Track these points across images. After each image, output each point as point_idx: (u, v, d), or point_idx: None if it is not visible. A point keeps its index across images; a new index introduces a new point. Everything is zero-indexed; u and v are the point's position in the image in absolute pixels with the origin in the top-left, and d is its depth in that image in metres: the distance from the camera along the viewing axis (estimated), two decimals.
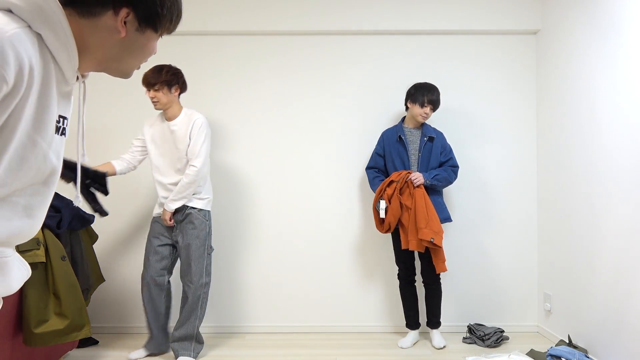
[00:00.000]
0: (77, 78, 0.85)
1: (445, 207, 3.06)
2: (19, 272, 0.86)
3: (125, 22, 0.82)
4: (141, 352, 2.84)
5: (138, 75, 3.15)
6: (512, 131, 3.39)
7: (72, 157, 1.26)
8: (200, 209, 2.78)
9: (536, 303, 3.38)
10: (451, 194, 3.38)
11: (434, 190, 3.04)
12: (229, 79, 3.39)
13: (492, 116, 3.39)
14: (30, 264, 2.27)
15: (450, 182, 3.06)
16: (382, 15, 3.34)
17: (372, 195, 3.37)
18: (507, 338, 3.15)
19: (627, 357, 2.43)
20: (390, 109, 3.39)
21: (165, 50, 3.37)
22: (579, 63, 2.87)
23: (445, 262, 2.93)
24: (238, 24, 3.33)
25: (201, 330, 3.35)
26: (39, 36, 0.74)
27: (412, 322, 3.11)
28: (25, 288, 2.30)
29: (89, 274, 2.77)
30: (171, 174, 2.74)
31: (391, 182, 2.97)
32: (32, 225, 0.84)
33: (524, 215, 3.38)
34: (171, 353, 2.95)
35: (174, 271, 3.39)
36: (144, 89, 2.71)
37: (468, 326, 3.23)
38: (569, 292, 2.96)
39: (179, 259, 2.90)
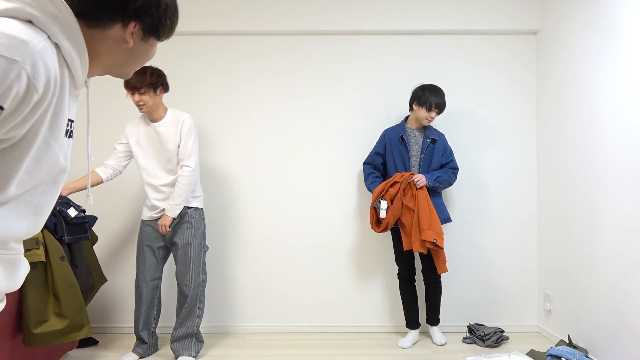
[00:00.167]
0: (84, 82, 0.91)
1: (445, 208, 3.07)
2: (25, 269, 0.91)
3: (132, 33, 0.89)
4: (132, 356, 2.84)
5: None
6: (512, 131, 3.39)
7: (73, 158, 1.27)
8: (196, 208, 2.80)
9: (536, 303, 3.38)
10: (451, 194, 3.38)
11: (433, 191, 3.05)
12: (229, 78, 3.39)
13: (492, 116, 3.39)
14: (29, 263, 2.26)
15: (451, 184, 3.07)
16: (382, 15, 3.34)
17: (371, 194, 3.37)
18: (507, 338, 3.15)
19: (627, 357, 2.43)
20: (390, 109, 3.39)
21: (164, 50, 3.37)
22: (579, 63, 2.87)
23: (446, 263, 2.93)
24: (238, 24, 3.33)
25: (201, 330, 3.34)
26: (56, 46, 0.80)
27: (412, 322, 3.11)
28: (25, 288, 2.30)
29: (89, 275, 2.77)
30: (161, 175, 2.72)
31: (395, 182, 2.96)
32: (41, 223, 0.89)
33: (524, 215, 3.38)
34: (167, 352, 2.94)
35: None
36: (125, 92, 2.64)
37: (468, 326, 3.23)
38: (569, 292, 2.96)
39: (165, 260, 2.89)
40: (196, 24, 3.32)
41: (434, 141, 3.04)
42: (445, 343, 3.08)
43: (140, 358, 2.86)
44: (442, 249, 2.89)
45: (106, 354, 2.94)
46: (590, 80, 2.76)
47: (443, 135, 3.11)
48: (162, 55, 3.37)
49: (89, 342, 3.08)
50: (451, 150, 3.10)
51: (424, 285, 3.14)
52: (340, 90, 3.40)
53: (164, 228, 2.68)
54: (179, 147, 2.69)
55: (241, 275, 3.38)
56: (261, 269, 3.38)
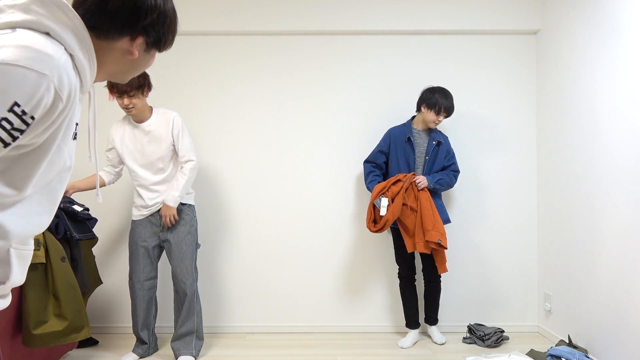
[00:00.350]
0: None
1: (445, 209, 3.08)
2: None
3: (137, 46, 0.96)
4: (132, 356, 2.84)
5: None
6: (512, 131, 3.39)
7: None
8: (189, 205, 2.82)
9: (536, 303, 3.38)
10: (451, 194, 3.38)
11: (434, 193, 3.05)
12: (228, 78, 3.39)
13: (492, 116, 3.39)
14: (30, 264, 2.26)
15: (451, 187, 3.10)
16: (383, 15, 3.34)
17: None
18: (507, 338, 3.16)
19: (627, 357, 2.43)
20: (389, 109, 3.39)
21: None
22: (579, 63, 2.87)
23: (446, 263, 2.94)
24: (238, 24, 3.33)
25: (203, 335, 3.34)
26: (70, 56, 0.85)
27: (412, 322, 3.11)
28: (25, 289, 2.30)
29: (86, 277, 2.77)
30: (152, 175, 2.72)
31: (397, 180, 2.96)
32: (50, 219, 0.95)
33: (524, 215, 3.38)
34: (167, 352, 2.94)
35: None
36: (108, 95, 2.61)
37: (468, 326, 3.23)
38: (569, 292, 2.96)
39: (159, 259, 2.88)
40: (196, 24, 3.32)
41: (439, 144, 3.05)
42: (445, 342, 3.09)
43: (140, 358, 2.86)
44: (446, 249, 2.90)
45: (106, 354, 2.94)
46: (590, 80, 2.76)
47: (447, 137, 3.12)
48: (162, 55, 3.37)
49: (89, 342, 3.08)
50: (453, 153, 3.11)
51: (423, 285, 3.15)
52: (340, 91, 3.39)
53: (170, 219, 2.69)
54: (173, 145, 2.71)
55: (241, 275, 3.38)
56: (261, 269, 3.38)
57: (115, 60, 0.96)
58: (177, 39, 3.37)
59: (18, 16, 0.83)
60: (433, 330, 3.14)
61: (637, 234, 2.36)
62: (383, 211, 2.89)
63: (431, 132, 3.07)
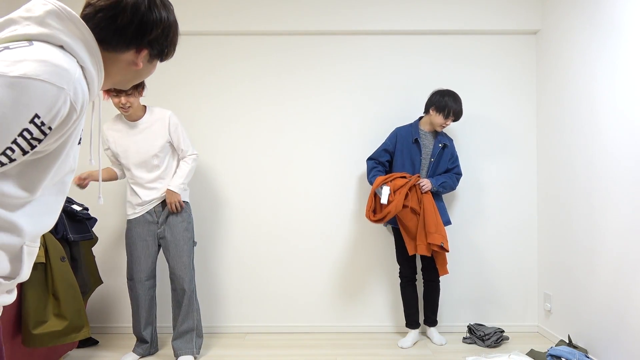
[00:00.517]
0: None
1: (446, 211, 3.09)
2: None
3: (142, 57, 1.02)
4: (133, 356, 2.83)
5: None
6: (512, 131, 3.39)
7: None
8: (186, 202, 2.83)
9: (536, 303, 3.38)
10: (451, 194, 3.38)
11: (435, 195, 3.06)
12: (228, 78, 3.39)
13: (492, 116, 3.39)
14: None
15: (453, 189, 3.12)
16: (382, 15, 3.34)
17: None
18: (507, 338, 3.15)
19: (627, 357, 2.43)
20: (389, 109, 3.39)
21: None
22: (579, 63, 2.87)
23: (447, 265, 2.95)
24: (238, 24, 3.33)
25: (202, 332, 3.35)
26: (81, 67, 0.91)
27: (412, 322, 3.11)
28: (25, 289, 2.30)
29: (87, 277, 2.77)
30: (147, 172, 2.73)
31: (403, 176, 2.95)
32: (56, 218, 1.01)
33: (524, 215, 3.38)
34: (167, 352, 2.94)
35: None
36: (102, 95, 2.62)
37: (468, 326, 3.23)
38: (569, 292, 2.96)
39: (156, 257, 2.88)
40: (196, 23, 3.32)
41: (445, 146, 3.05)
42: (445, 343, 3.09)
43: (140, 358, 2.85)
44: (447, 251, 2.90)
45: (106, 354, 2.94)
46: (590, 80, 2.76)
47: (452, 140, 3.13)
48: None
49: (89, 342, 3.08)
50: (457, 156, 3.12)
51: (423, 285, 3.15)
52: (339, 91, 3.39)
53: (176, 205, 2.71)
54: (168, 142, 2.74)
55: (241, 275, 3.38)
56: (261, 269, 3.38)
57: (120, 70, 1.02)
58: (180, 35, 3.37)
59: (34, 29, 0.88)
60: (432, 331, 3.14)
61: (637, 234, 2.36)
62: (384, 199, 2.87)
63: (437, 134, 3.07)
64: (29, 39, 0.87)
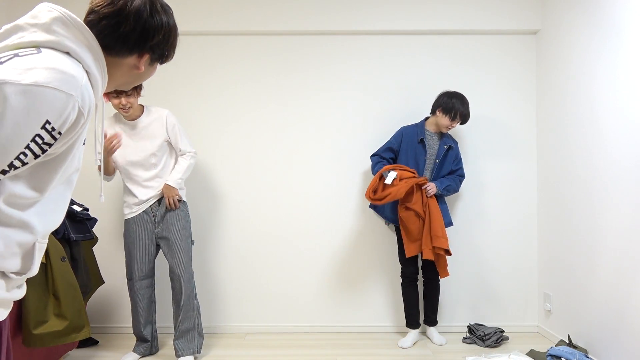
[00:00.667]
0: None
1: (448, 212, 3.11)
2: None
3: (143, 61, 1.06)
4: (133, 356, 2.83)
5: None
6: (512, 131, 3.39)
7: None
8: (184, 201, 2.84)
9: (536, 303, 3.38)
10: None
11: (439, 196, 3.08)
12: (229, 78, 3.39)
13: (492, 116, 3.39)
14: None
15: (456, 192, 3.13)
16: (382, 15, 3.34)
17: None
18: (507, 338, 3.15)
19: (627, 357, 2.43)
20: (389, 109, 3.39)
21: None
22: (579, 63, 2.87)
23: (447, 267, 2.96)
24: (238, 24, 3.33)
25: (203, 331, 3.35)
26: (87, 72, 0.94)
27: (412, 321, 3.11)
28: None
29: (88, 277, 2.77)
30: (144, 171, 2.73)
31: (413, 173, 2.95)
32: (63, 216, 1.05)
33: (524, 215, 3.38)
34: (166, 352, 2.94)
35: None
36: (105, 99, 2.64)
37: (468, 326, 3.23)
38: (569, 292, 2.96)
39: (156, 256, 2.88)
40: (196, 23, 3.32)
41: (450, 148, 3.05)
42: (445, 343, 3.09)
43: (140, 357, 2.86)
44: (451, 254, 2.92)
45: (106, 354, 2.94)
46: (590, 80, 2.76)
47: (457, 142, 3.14)
48: None
49: (89, 342, 3.08)
50: (461, 158, 3.13)
51: (423, 284, 3.15)
52: (339, 90, 3.40)
53: (174, 199, 2.73)
54: (166, 141, 2.76)
55: (241, 275, 3.38)
56: (262, 269, 3.38)
57: (123, 74, 1.06)
58: (179, 37, 3.37)
59: (41, 36, 0.91)
60: (432, 331, 3.15)
61: (637, 233, 2.36)
62: (388, 180, 2.85)
63: (443, 135, 3.08)
64: (37, 45, 0.90)
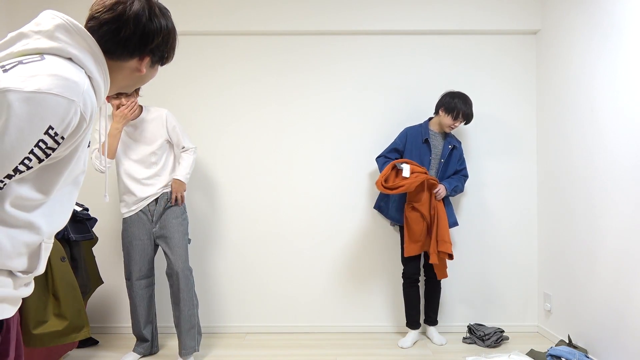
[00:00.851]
0: None
1: (454, 213, 3.12)
2: None
3: (144, 64, 1.08)
4: (133, 355, 2.83)
5: None
6: (512, 131, 3.39)
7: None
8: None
9: (536, 303, 3.38)
10: None
11: (445, 197, 3.08)
12: (229, 78, 3.39)
13: (492, 116, 3.39)
14: None
15: (461, 192, 3.16)
16: (382, 15, 3.34)
17: (372, 194, 3.37)
18: (507, 338, 3.15)
19: (627, 357, 2.43)
20: (389, 109, 3.39)
21: None
22: (579, 63, 2.87)
23: (447, 269, 2.98)
24: (238, 24, 3.33)
25: (202, 329, 3.35)
26: (89, 77, 0.97)
27: (413, 322, 3.11)
28: None
29: (87, 277, 2.77)
30: (144, 168, 2.74)
31: (424, 171, 2.96)
32: (69, 217, 1.08)
33: (524, 215, 3.38)
34: (166, 352, 2.94)
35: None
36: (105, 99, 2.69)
37: (468, 326, 3.23)
38: (569, 292, 2.96)
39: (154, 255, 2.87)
40: (196, 23, 3.32)
41: (454, 148, 3.06)
42: (445, 343, 3.09)
43: (141, 357, 2.86)
44: (452, 259, 2.95)
45: (106, 354, 2.94)
46: (590, 79, 2.76)
47: (460, 142, 3.15)
48: None
49: (89, 342, 3.08)
50: (464, 158, 3.14)
51: (424, 283, 3.15)
52: (339, 91, 3.39)
53: (181, 195, 2.77)
54: (166, 140, 2.78)
55: (241, 275, 3.38)
56: (262, 269, 3.38)
57: (125, 77, 1.08)
58: (178, 38, 3.37)
59: (45, 43, 0.94)
60: (432, 331, 3.15)
61: (637, 233, 2.36)
62: (406, 173, 2.86)
63: (447, 135, 3.09)
64: (41, 52, 0.93)
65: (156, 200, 2.78)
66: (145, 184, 2.74)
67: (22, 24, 3.21)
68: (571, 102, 2.95)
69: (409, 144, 3.07)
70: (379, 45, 3.39)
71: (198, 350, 2.80)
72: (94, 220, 2.86)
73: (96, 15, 1.01)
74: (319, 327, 3.36)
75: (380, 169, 3.09)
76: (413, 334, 3.10)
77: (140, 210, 2.76)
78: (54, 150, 0.90)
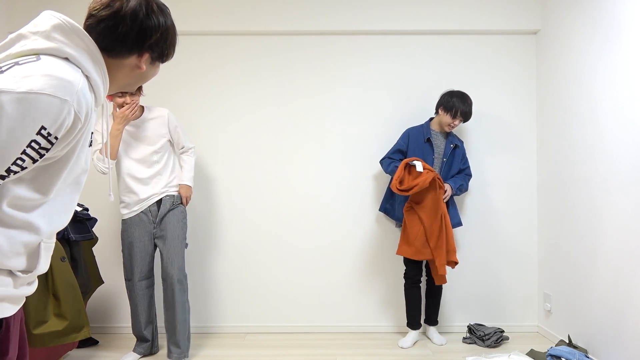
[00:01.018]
0: None
1: (458, 213, 3.13)
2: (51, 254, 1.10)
3: (144, 60, 1.07)
4: (133, 355, 2.83)
5: None
6: (512, 131, 3.39)
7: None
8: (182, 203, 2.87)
9: (536, 303, 3.38)
10: None
11: (450, 197, 3.09)
12: (228, 78, 3.39)
13: (492, 116, 3.39)
14: None
15: (466, 191, 3.17)
16: (382, 15, 3.34)
17: (372, 195, 3.37)
18: (507, 338, 3.15)
19: (627, 357, 2.43)
20: (389, 109, 3.39)
21: None
22: (579, 63, 2.87)
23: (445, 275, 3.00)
24: (238, 24, 3.33)
25: (201, 329, 3.35)
26: (86, 77, 0.96)
27: (414, 322, 3.11)
28: None
29: (87, 277, 2.76)
30: (146, 168, 2.74)
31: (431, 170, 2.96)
32: (70, 217, 1.08)
33: (524, 215, 3.38)
34: (166, 352, 2.94)
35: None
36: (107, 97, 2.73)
37: (468, 326, 3.23)
38: (569, 292, 2.96)
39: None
40: (196, 23, 3.32)
41: (456, 147, 3.06)
42: (445, 343, 3.09)
43: (141, 357, 2.85)
44: (453, 267, 2.98)
45: (106, 354, 2.94)
46: (590, 80, 2.76)
47: (462, 142, 3.15)
48: None
49: (89, 342, 3.08)
50: (467, 158, 3.15)
51: (426, 283, 3.15)
52: (339, 91, 3.39)
53: (188, 200, 2.85)
54: (167, 140, 2.80)
55: (241, 275, 3.38)
56: (262, 269, 3.38)
57: (125, 75, 1.08)
58: (178, 38, 3.37)
59: (41, 43, 0.94)
60: (432, 331, 3.15)
61: (638, 233, 2.36)
62: (420, 168, 2.87)
63: (448, 135, 3.09)
64: (37, 53, 0.93)
65: (159, 202, 2.77)
66: (147, 183, 2.75)
67: (22, 25, 3.21)
68: (571, 102, 2.95)
69: (412, 144, 3.08)
70: (379, 45, 3.40)
71: (187, 357, 2.80)
72: (94, 220, 2.86)
73: (94, 12, 1.01)
74: (319, 327, 3.36)
75: (387, 170, 3.09)
76: (413, 334, 3.10)
77: (142, 211, 2.75)
78: (47, 150, 0.90)
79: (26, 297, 2.27)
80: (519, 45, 3.39)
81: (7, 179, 0.89)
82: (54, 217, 1.02)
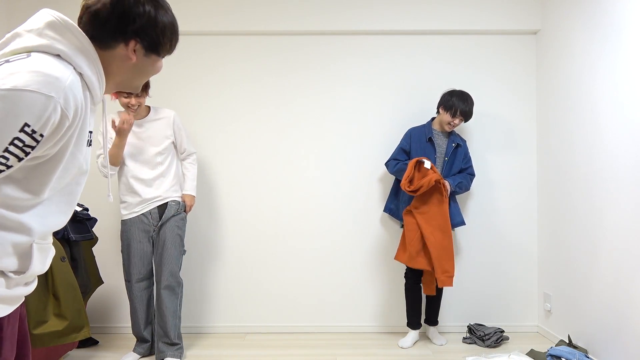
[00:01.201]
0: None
1: (460, 212, 3.11)
2: (52, 254, 1.08)
3: (135, 51, 1.03)
4: (133, 355, 2.83)
5: None
6: (512, 131, 3.39)
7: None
8: (181, 203, 2.86)
9: (536, 303, 3.38)
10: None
11: (451, 196, 3.08)
12: (228, 78, 3.39)
13: (492, 116, 3.39)
14: None
15: (468, 190, 3.14)
16: (383, 15, 3.34)
17: (373, 195, 3.37)
18: (507, 338, 3.15)
19: (627, 357, 2.43)
20: (389, 108, 3.39)
21: None
22: (579, 63, 2.87)
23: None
24: (238, 24, 3.33)
25: (201, 329, 3.35)
26: (80, 74, 0.95)
27: (414, 322, 3.11)
28: None
29: (87, 277, 2.76)
30: (149, 169, 2.74)
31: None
32: (68, 218, 1.06)
33: (524, 215, 3.38)
34: None
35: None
36: (110, 96, 2.75)
37: (468, 326, 3.23)
38: (569, 292, 2.96)
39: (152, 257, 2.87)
40: (196, 23, 3.32)
41: (458, 146, 3.06)
42: (445, 343, 3.09)
43: (141, 357, 2.86)
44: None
45: (106, 354, 2.94)
46: (590, 80, 2.76)
47: (465, 141, 3.15)
48: None
49: (89, 342, 3.08)
50: (470, 157, 3.14)
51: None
52: (339, 91, 3.39)
53: (191, 208, 2.89)
54: (172, 142, 2.80)
55: (241, 275, 3.38)
56: (261, 269, 3.38)
57: (119, 68, 1.04)
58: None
59: (33, 40, 0.93)
60: (433, 331, 3.15)
61: (637, 233, 2.36)
62: (428, 165, 2.89)
63: (450, 134, 3.10)
64: (29, 50, 0.92)
65: (163, 205, 2.77)
66: (150, 185, 2.74)
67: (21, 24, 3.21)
68: (571, 102, 2.95)
69: (414, 144, 3.08)
70: (379, 45, 3.40)
71: (179, 358, 2.80)
72: (94, 220, 2.86)
73: (84, 4, 1.01)
74: (319, 327, 3.36)
75: (393, 170, 3.09)
76: (413, 334, 3.10)
77: (142, 213, 2.75)
78: (33, 148, 0.87)
79: (26, 297, 2.27)
80: (519, 45, 3.39)
81: None
82: (49, 218, 1.00)
